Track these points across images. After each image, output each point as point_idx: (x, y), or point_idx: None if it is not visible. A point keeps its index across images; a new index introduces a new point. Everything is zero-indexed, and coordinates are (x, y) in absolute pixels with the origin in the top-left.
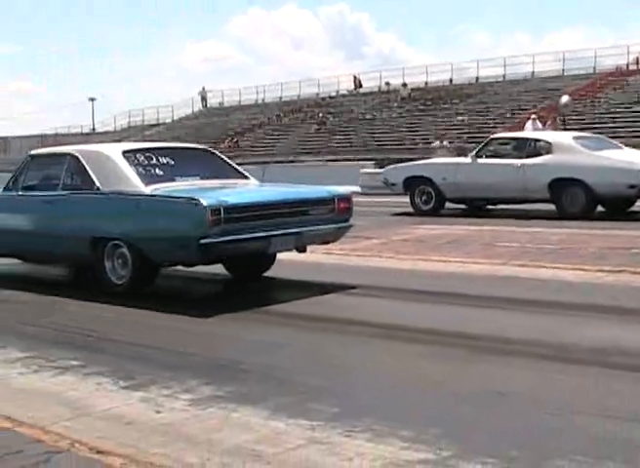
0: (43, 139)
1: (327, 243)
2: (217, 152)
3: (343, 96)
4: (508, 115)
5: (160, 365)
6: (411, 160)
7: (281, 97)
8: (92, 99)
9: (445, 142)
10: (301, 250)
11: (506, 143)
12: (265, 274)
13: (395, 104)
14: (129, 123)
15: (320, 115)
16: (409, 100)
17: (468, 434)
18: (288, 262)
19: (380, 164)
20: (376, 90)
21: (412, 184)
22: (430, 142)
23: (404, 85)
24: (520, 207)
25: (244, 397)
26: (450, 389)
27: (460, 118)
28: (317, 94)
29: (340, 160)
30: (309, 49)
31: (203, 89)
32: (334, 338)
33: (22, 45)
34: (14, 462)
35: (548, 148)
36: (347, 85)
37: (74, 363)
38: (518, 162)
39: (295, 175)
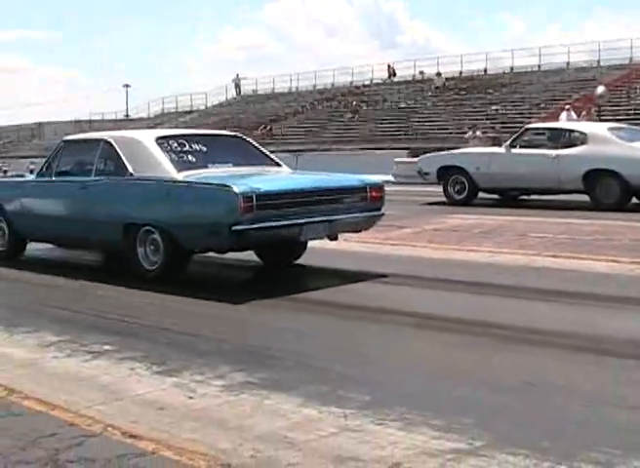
0: (77, 125)
1: (358, 231)
2: (249, 139)
3: (377, 84)
4: (543, 105)
5: (193, 351)
6: (444, 149)
7: (315, 86)
8: (126, 86)
9: (478, 132)
10: (333, 238)
11: (541, 134)
12: (297, 262)
13: (429, 94)
14: (162, 110)
15: (354, 104)
16: (443, 90)
17: (499, 424)
18: (320, 250)
19: (414, 153)
20: (410, 79)
21: (445, 174)
22: (464, 132)
23: (438, 74)
24: (554, 197)
25: (276, 384)
26: (481, 379)
27: (494, 108)
28: (351, 82)
29: (373, 149)
30: (343, 37)
31: (237, 76)
32: (365, 327)
33: (58, 31)
34: (47, 445)
35: (583, 139)
36: (381, 74)
37: (108, 347)
38: (553, 152)
39: (328, 163)
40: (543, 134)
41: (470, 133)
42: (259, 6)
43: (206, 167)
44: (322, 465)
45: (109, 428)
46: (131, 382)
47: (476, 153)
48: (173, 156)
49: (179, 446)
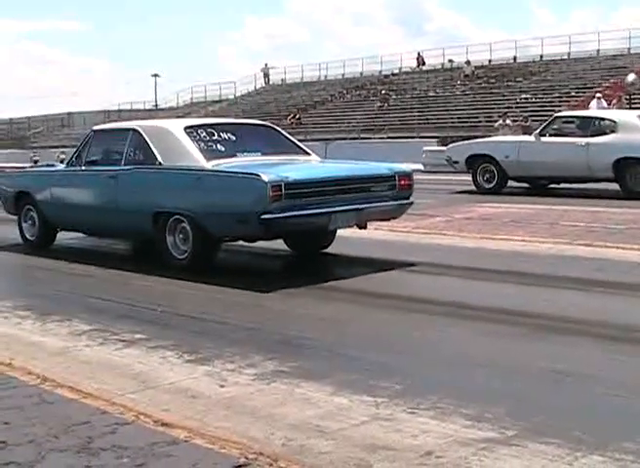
0: (106, 115)
1: (388, 220)
2: (278, 128)
3: (406, 73)
4: (573, 94)
5: (224, 339)
6: (474, 138)
7: (344, 75)
8: (155, 76)
9: (508, 121)
10: (362, 226)
11: (571, 122)
12: (327, 250)
13: (458, 82)
14: (191, 99)
15: (383, 92)
16: (472, 78)
17: (532, 413)
18: (351, 239)
19: (443, 142)
20: (439, 67)
21: (474, 162)
22: (493, 121)
23: (467, 62)
24: (584, 186)
25: (308, 372)
26: (513, 368)
27: (523, 96)
28: (380, 71)
29: (402, 137)
30: (370, 25)
31: (265, 65)
32: (397, 315)
33: (88, 21)
34: (80, 433)
35: (613, 127)
36: (410, 62)
37: (139, 336)
38: (582, 141)
39: (357, 152)
40: (573, 122)
41: (500, 121)
42: None
43: (235, 155)
44: (354, 454)
45: (141, 416)
46: (163, 371)
47: (506, 141)
48: (202, 145)
49: (211, 434)
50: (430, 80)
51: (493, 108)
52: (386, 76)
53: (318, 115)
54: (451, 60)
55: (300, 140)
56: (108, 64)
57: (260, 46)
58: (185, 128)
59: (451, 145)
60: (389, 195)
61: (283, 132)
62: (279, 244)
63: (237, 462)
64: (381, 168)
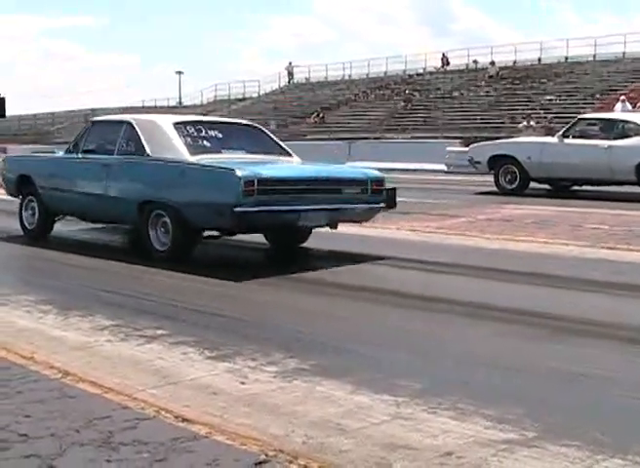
0: (129, 112)
1: (358, 222)
2: (264, 129)
3: (430, 73)
4: (598, 96)
5: (245, 336)
6: (497, 139)
7: (368, 74)
8: (179, 73)
9: (532, 122)
10: (333, 226)
11: (594, 124)
12: (343, 250)
13: (483, 83)
14: (215, 97)
15: (406, 92)
16: (497, 79)
17: (552, 415)
18: (372, 238)
19: (467, 142)
20: (463, 68)
21: (496, 163)
22: (517, 122)
23: (492, 63)
24: (607, 188)
25: (328, 370)
26: (533, 369)
27: (548, 98)
28: (404, 71)
29: (425, 138)
30: (395, 25)
31: (290, 64)
32: (419, 315)
33: (109, 17)
34: (101, 427)
35: (637, 130)
36: (434, 62)
37: (161, 332)
38: (605, 143)
39: (380, 152)
40: (596, 124)
41: (524, 122)
42: None
43: (219, 152)
44: (374, 452)
45: (162, 412)
46: (184, 367)
47: (528, 143)
48: (188, 140)
49: (231, 430)
50: (454, 80)
51: (517, 110)
52: (410, 76)
53: (342, 114)
54: (475, 61)
55: (323, 139)
56: (133, 61)
57: (285, 45)
58: (175, 123)
59: (473, 146)
60: (361, 198)
61: (268, 133)
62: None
63: (257, 459)
64: (356, 172)
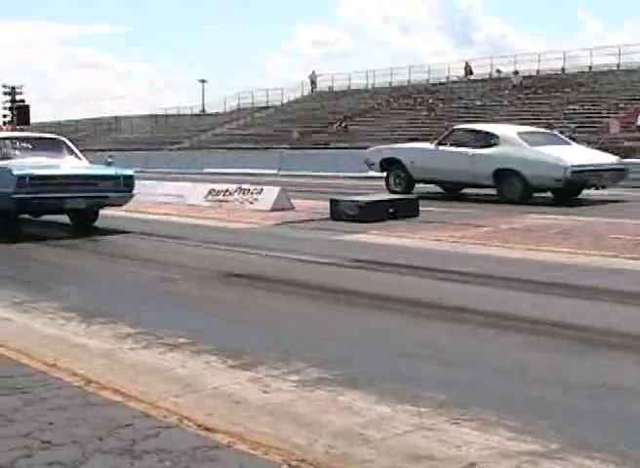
0: (154, 119)
1: (113, 206)
2: (65, 140)
3: (454, 82)
4: (622, 105)
5: (268, 345)
6: None
7: (391, 83)
8: (202, 81)
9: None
10: (94, 211)
11: (465, 134)
12: (372, 258)
13: (506, 92)
14: (238, 105)
15: (429, 101)
16: (520, 88)
17: (575, 426)
18: (397, 247)
19: None
20: (486, 77)
21: (387, 166)
22: None
23: (515, 73)
24: (632, 200)
25: (351, 380)
26: (557, 380)
27: (571, 107)
28: (427, 80)
29: None
30: (417, 34)
31: (313, 72)
32: (442, 326)
33: (133, 26)
34: (124, 435)
35: (496, 141)
36: (457, 71)
37: (183, 340)
38: (470, 151)
39: None
40: (467, 134)
41: None
42: (334, 2)
43: (24, 158)
44: (397, 463)
45: (185, 420)
46: (206, 375)
47: (411, 148)
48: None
49: (253, 439)
50: (478, 90)
51: (540, 119)
52: (433, 85)
53: (365, 123)
54: (498, 70)
55: (346, 148)
56: (156, 69)
57: (308, 53)
58: None
59: (370, 149)
60: (114, 189)
61: (68, 143)
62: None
63: None
64: (110, 170)
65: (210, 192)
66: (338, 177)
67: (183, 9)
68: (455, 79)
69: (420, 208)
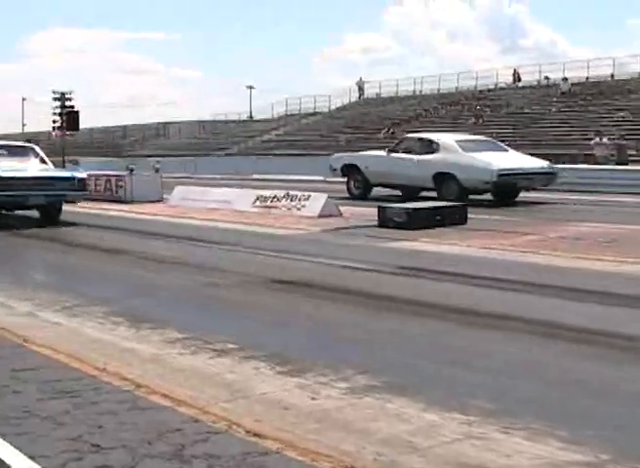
0: (201, 125)
1: (70, 202)
2: (35, 147)
3: (502, 89)
4: None
5: (316, 352)
6: (568, 156)
7: (439, 90)
8: (250, 87)
9: (605, 139)
10: (56, 208)
11: (413, 142)
12: (419, 265)
13: (555, 99)
14: (286, 111)
15: (477, 108)
16: (569, 95)
17: (627, 438)
18: (443, 254)
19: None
20: (535, 84)
21: (347, 171)
22: (589, 138)
23: (564, 79)
24: None
25: (399, 388)
26: (606, 390)
27: (621, 114)
28: (475, 86)
29: None
30: (465, 41)
31: (360, 79)
32: (489, 334)
33: (181, 33)
34: (173, 440)
35: (437, 148)
36: (505, 78)
37: (232, 346)
38: (415, 157)
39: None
40: (414, 142)
41: (596, 139)
42: (381, 9)
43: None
44: None
45: (234, 426)
46: (255, 381)
47: (367, 155)
48: None
49: (302, 446)
50: (526, 97)
51: (589, 126)
52: (481, 92)
53: (412, 130)
54: (547, 77)
55: None
56: (203, 75)
57: (356, 60)
58: None
59: (333, 156)
60: (70, 188)
61: (37, 149)
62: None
63: None
64: (67, 172)
65: (257, 198)
66: None
67: (232, 16)
68: (502, 86)
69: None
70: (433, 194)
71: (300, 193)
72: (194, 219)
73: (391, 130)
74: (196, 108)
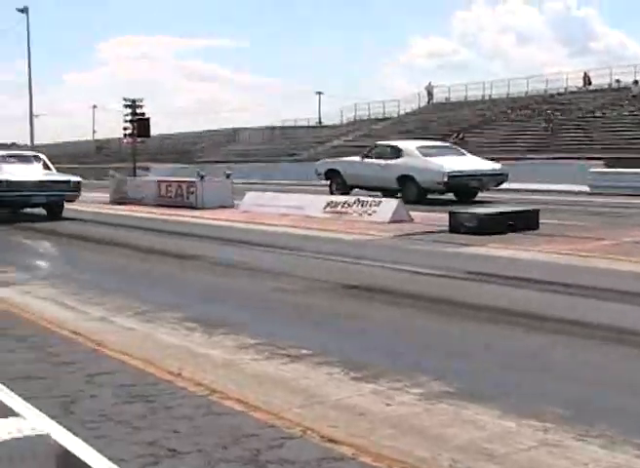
0: (271, 131)
1: (68, 201)
2: (41, 156)
3: (572, 92)
4: None
5: (389, 357)
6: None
7: (508, 94)
8: (318, 93)
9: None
10: (58, 205)
11: (382, 148)
12: (493, 271)
13: (626, 102)
14: (355, 117)
15: (548, 112)
16: None
17: None
18: (516, 260)
19: (610, 163)
20: (605, 87)
21: (330, 174)
22: None
23: (635, 82)
24: None
25: (474, 394)
26: None
27: None
28: (545, 90)
29: (566, 158)
30: (534, 44)
31: (429, 84)
32: (561, 340)
33: (249, 39)
34: (248, 445)
35: (400, 153)
36: (575, 82)
37: (305, 352)
38: (383, 162)
39: (521, 172)
40: (384, 148)
41: None
42: (448, 14)
43: (8, 168)
44: None
45: (308, 431)
46: (329, 387)
47: (345, 160)
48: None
49: (377, 452)
50: (597, 100)
51: None
52: (552, 96)
53: (482, 135)
54: (618, 80)
55: None
56: (272, 81)
57: (423, 65)
58: None
59: (320, 161)
60: (66, 190)
61: (42, 157)
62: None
63: None
64: (63, 176)
65: (328, 204)
66: None
67: (299, 23)
68: (573, 89)
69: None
70: (496, 197)
71: (370, 199)
72: (265, 225)
73: (461, 135)
74: (265, 114)
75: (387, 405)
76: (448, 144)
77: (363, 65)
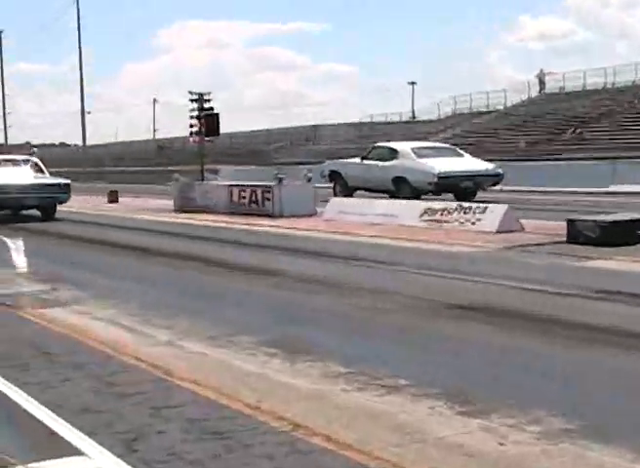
0: (357, 128)
1: (60, 203)
2: (36, 160)
3: None
4: None
5: (499, 389)
6: None
7: (634, 81)
8: (412, 83)
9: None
10: (51, 208)
11: (380, 150)
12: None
13: None
14: (453, 110)
15: None
16: None
17: None
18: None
19: None
20: None
21: (333, 176)
22: None
23: None
24: None
25: (600, 433)
26: None
27: None
28: None
29: None
30: None
31: (541, 71)
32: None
33: (331, 23)
34: None
35: (396, 155)
36: None
37: (403, 382)
38: (380, 163)
39: None
40: (382, 150)
41: None
42: None
43: (2, 172)
44: None
45: None
46: (431, 423)
47: (346, 162)
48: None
49: None
50: None
51: None
52: None
53: (603, 129)
54: None
55: (580, 159)
56: (360, 72)
57: (533, 49)
58: None
59: (325, 163)
60: (57, 192)
61: (37, 161)
62: None
63: None
64: (55, 180)
65: (425, 211)
66: (572, 193)
67: (386, 2)
68: None
69: None
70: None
71: (474, 205)
72: (352, 236)
73: (578, 129)
74: (352, 108)
75: (500, 444)
76: (446, 146)
77: (463, 51)
